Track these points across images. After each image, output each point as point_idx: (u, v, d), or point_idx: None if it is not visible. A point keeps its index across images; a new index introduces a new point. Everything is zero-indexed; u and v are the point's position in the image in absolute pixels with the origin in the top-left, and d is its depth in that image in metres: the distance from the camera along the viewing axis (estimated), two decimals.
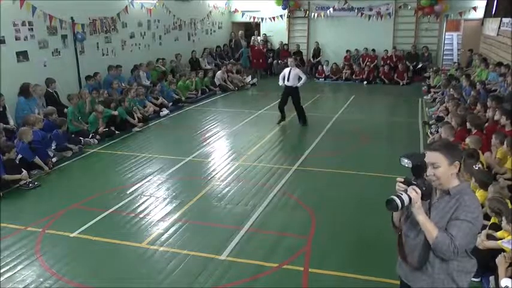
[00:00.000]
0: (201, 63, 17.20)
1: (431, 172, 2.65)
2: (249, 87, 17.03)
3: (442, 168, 2.64)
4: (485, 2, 16.27)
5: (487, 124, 8.14)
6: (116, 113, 10.59)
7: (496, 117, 8.30)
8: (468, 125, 7.69)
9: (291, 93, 11.11)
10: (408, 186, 2.62)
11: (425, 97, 14.40)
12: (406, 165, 2.66)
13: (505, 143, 6.56)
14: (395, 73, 17.57)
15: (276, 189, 7.18)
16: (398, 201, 2.55)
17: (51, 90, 10.29)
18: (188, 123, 11.80)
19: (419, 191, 2.57)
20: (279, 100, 11.38)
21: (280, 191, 7.12)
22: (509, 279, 4.01)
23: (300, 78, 10.99)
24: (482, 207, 5.35)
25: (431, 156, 2.66)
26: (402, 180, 2.68)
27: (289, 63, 11.24)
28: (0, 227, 5.95)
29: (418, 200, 2.56)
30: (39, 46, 10.49)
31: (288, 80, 11.02)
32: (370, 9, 18.24)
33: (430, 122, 10.68)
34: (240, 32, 20.46)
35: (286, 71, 11.16)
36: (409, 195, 2.56)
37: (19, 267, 5.01)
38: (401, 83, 17.16)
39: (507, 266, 4.18)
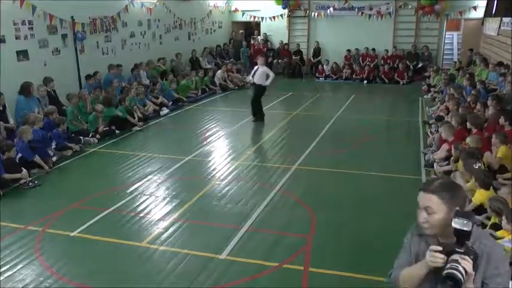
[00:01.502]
0: (201, 63, 17.19)
1: (423, 218, 2.22)
2: (249, 87, 16.96)
3: (438, 216, 2.19)
4: (486, 1, 16.24)
5: (486, 124, 8.14)
6: (120, 113, 10.58)
7: (489, 112, 8.35)
8: (468, 124, 7.68)
9: (255, 90, 11.53)
10: (448, 255, 2.08)
11: (425, 96, 14.39)
12: (462, 228, 2.08)
13: None
14: (395, 72, 17.57)
15: (276, 189, 7.17)
16: (459, 275, 2.02)
17: (49, 89, 10.29)
18: (188, 123, 11.79)
19: (470, 261, 2.04)
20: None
21: (280, 190, 7.12)
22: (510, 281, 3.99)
23: (268, 76, 11.38)
24: (483, 206, 5.35)
25: (425, 199, 2.22)
26: (440, 249, 2.12)
27: (258, 62, 11.53)
28: (0, 226, 5.95)
29: (472, 273, 2.04)
30: (39, 45, 10.48)
31: (252, 77, 11.46)
32: (371, 9, 18.22)
33: (430, 121, 10.67)
34: (241, 31, 20.48)
35: (255, 68, 11.54)
36: (464, 268, 2.03)
37: (19, 267, 5.01)
38: (401, 83, 17.16)
39: None
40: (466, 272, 2.02)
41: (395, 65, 17.85)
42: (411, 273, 2.29)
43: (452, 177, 6.43)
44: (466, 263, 2.03)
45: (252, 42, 19.65)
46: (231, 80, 16.59)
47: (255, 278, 4.79)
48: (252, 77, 11.57)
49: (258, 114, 11.61)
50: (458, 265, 2.03)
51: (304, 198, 6.82)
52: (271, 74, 11.53)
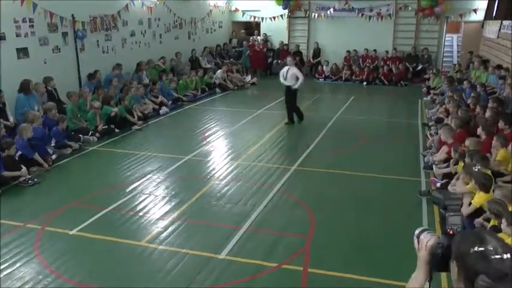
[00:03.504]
0: (200, 62, 17.19)
1: None
2: (249, 87, 17.02)
3: None
4: (486, 4, 16.27)
5: None
6: (115, 109, 10.57)
7: (486, 115, 8.36)
8: (479, 130, 7.60)
9: (288, 92, 11.09)
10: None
11: (424, 98, 14.42)
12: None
13: (510, 146, 6.56)
14: (394, 74, 17.59)
15: (276, 189, 7.18)
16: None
17: (50, 88, 10.28)
18: (188, 122, 11.79)
19: (431, 240, 1.86)
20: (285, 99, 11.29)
21: (279, 191, 7.12)
22: None
23: (297, 79, 10.90)
24: (482, 209, 5.36)
25: None
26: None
27: (288, 62, 11.20)
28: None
29: (422, 248, 1.88)
30: (40, 43, 10.47)
31: (285, 79, 11.01)
32: (371, 10, 18.21)
33: (430, 124, 10.69)
34: (242, 31, 20.53)
35: (285, 69, 11.11)
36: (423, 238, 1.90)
37: (18, 265, 5.01)
38: (398, 84, 17.17)
39: None
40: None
41: (394, 66, 17.85)
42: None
43: (454, 180, 6.43)
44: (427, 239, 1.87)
45: (250, 42, 19.64)
46: (230, 80, 16.58)
47: (254, 278, 4.80)
48: (284, 79, 11.01)
49: (297, 115, 11.25)
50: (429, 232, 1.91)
51: (303, 198, 6.82)
52: (301, 77, 10.97)
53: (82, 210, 6.37)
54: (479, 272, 1.53)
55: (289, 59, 11.33)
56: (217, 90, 15.81)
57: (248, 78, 17.60)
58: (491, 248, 1.54)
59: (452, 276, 1.70)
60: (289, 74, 10.91)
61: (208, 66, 17.35)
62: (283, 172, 7.93)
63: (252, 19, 20.26)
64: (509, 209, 4.72)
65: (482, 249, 1.55)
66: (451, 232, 1.84)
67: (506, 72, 11.87)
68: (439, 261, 1.80)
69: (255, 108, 13.01)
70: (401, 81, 17.30)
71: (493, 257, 1.53)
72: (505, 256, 1.52)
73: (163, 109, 12.50)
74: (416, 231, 1.98)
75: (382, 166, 8.22)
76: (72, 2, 11.16)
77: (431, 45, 18.11)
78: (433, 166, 7.61)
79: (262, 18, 19.94)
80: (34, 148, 7.94)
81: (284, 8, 19.09)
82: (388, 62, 18.02)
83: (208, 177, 7.79)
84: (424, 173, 7.82)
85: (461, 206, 1.92)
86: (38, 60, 10.37)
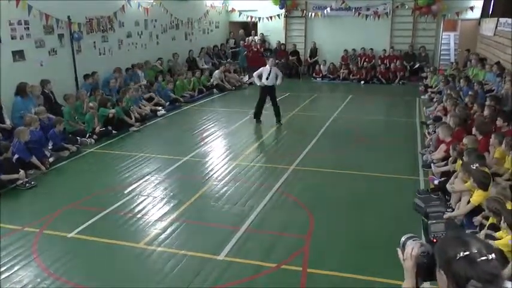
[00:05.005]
0: (198, 63, 17.16)
1: None
2: (246, 87, 16.99)
3: None
4: (482, 2, 16.28)
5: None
6: (113, 111, 10.53)
7: (484, 113, 8.35)
8: (474, 130, 7.58)
9: (271, 92, 11.23)
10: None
11: (422, 97, 14.42)
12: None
13: (503, 142, 6.54)
14: (391, 70, 17.61)
15: (274, 189, 7.16)
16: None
17: (47, 91, 10.24)
18: (185, 123, 11.76)
19: (411, 247, 1.87)
20: (259, 100, 11.44)
21: (278, 191, 7.11)
22: (509, 282, 3.99)
23: (276, 77, 11.18)
24: (481, 207, 5.36)
25: None
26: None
27: (269, 63, 11.26)
28: None
29: (407, 258, 1.88)
30: (36, 45, 10.43)
31: (267, 79, 11.10)
32: (368, 9, 18.23)
33: (428, 122, 10.68)
34: (241, 31, 20.55)
35: (265, 70, 11.17)
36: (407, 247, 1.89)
37: (16, 268, 4.98)
38: (396, 82, 17.18)
39: None
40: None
41: (391, 65, 17.86)
42: None
43: (452, 178, 6.42)
44: (409, 248, 1.88)
45: (245, 42, 19.62)
46: (228, 80, 16.56)
47: (253, 278, 4.78)
48: (266, 79, 11.15)
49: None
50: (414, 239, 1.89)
51: (302, 198, 6.81)
52: (280, 75, 11.39)
53: (80, 213, 6.35)
54: (469, 278, 1.52)
55: (271, 59, 11.49)
56: (215, 90, 15.80)
57: (246, 78, 17.58)
58: (476, 251, 1.54)
59: (440, 285, 1.66)
60: (272, 74, 11.13)
61: (206, 66, 17.33)
62: (281, 172, 7.92)
63: (249, 19, 20.24)
64: (508, 207, 4.72)
65: (467, 253, 1.54)
66: (434, 240, 1.83)
67: (502, 70, 11.86)
68: (425, 271, 1.80)
69: (253, 108, 12.95)
70: (399, 80, 17.33)
71: (479, 259, 1.53)
72: (490, 256, 1.53)
73: (161, 111, 12.47)
74: (403, 239, 1.94)
75: (381, 165, 8.22)
76: (68, 3, 11.12)
77: (429, 44, 18.14)
78: (432, 164, 7.61)
79: (259, 18, 19.93)
80: (31, 151, 7.90)
81: (281, 8, 19.08)
82: (385, 61, 18.04)
83: (207, 178, 7.78)
84: (423, 172, 7.82)
85: (443, 213, 1.91)
86: (34, 63, 10.34)
